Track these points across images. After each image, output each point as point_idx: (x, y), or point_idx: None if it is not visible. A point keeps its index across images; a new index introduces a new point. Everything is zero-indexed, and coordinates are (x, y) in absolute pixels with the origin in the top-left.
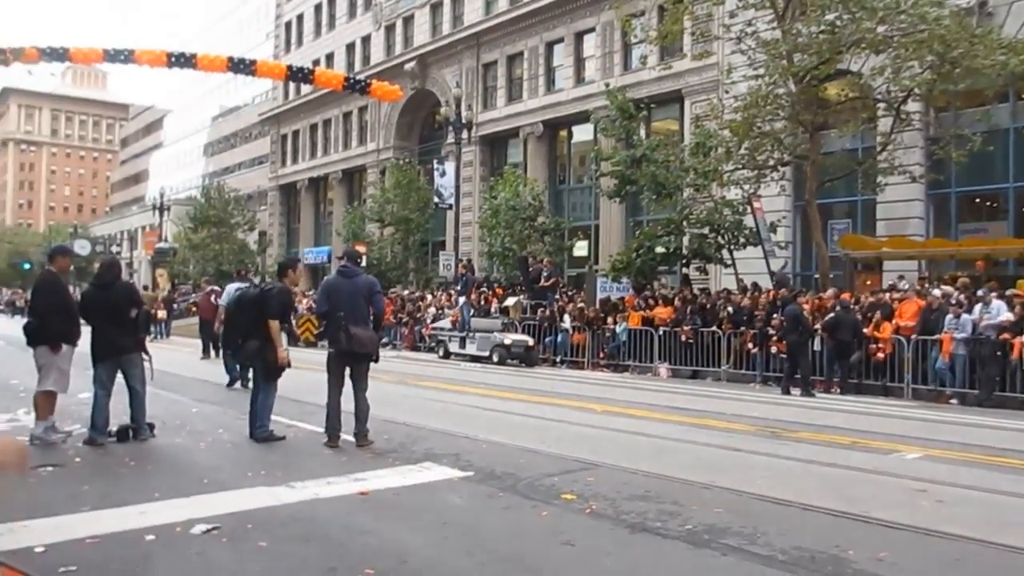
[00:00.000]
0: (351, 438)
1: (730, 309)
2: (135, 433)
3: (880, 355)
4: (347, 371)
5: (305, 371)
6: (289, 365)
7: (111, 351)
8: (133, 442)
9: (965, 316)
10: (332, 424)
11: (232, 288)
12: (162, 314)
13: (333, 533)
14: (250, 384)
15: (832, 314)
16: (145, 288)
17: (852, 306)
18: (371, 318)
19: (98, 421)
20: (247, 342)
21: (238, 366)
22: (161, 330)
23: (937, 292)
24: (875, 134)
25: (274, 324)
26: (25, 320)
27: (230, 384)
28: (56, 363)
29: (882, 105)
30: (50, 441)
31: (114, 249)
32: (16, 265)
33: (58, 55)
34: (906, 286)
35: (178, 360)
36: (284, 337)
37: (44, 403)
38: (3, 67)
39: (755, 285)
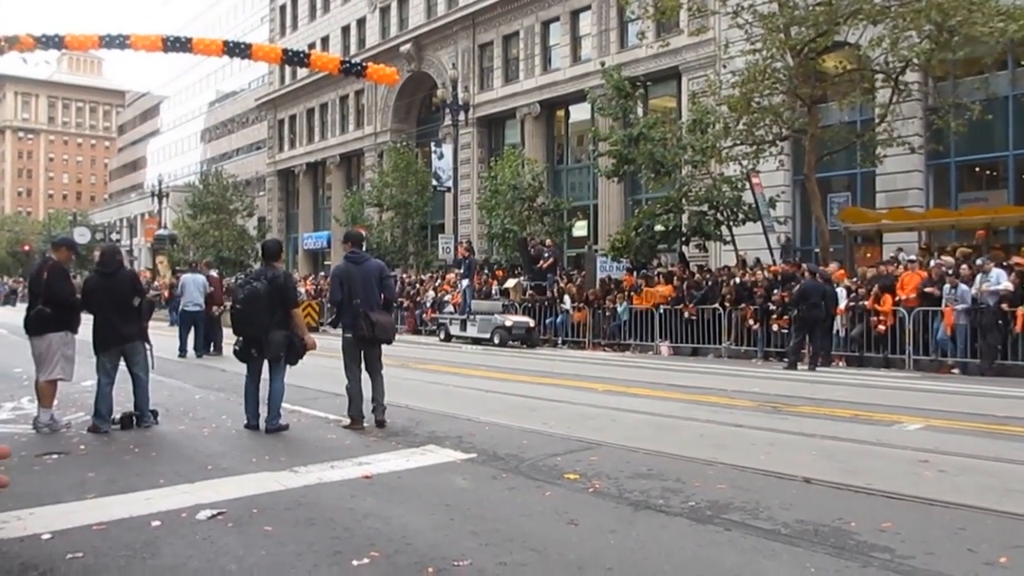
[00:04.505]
0: (345, 419)
1: (735, 280)
2: (139, 420)
3: (881, 327)
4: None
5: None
6: (314, 347)
7: (115, 339)
8: (137, 429)
9: (962, 286)
10: (357, 408)
11: (188, 280)
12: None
13: (338, 517)
14: (195, 351)
15: (798, 284)
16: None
17: (818, 275)
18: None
19: (102, 409)
20: (271, 335)
21: (190, 338)
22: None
23: (933, 263)
24: (873, 106)
25: (297, 312)
26: (31, 308)
27: (182, 355)
28: (62, 351)
29: (880, 76)
30: (56, 428)
31: (114, 237)
32: (16, 253)
33: (53, 42)
34: (906, 258)
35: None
36: None
37: (48, 391)
38: None
39: (757, 260)
